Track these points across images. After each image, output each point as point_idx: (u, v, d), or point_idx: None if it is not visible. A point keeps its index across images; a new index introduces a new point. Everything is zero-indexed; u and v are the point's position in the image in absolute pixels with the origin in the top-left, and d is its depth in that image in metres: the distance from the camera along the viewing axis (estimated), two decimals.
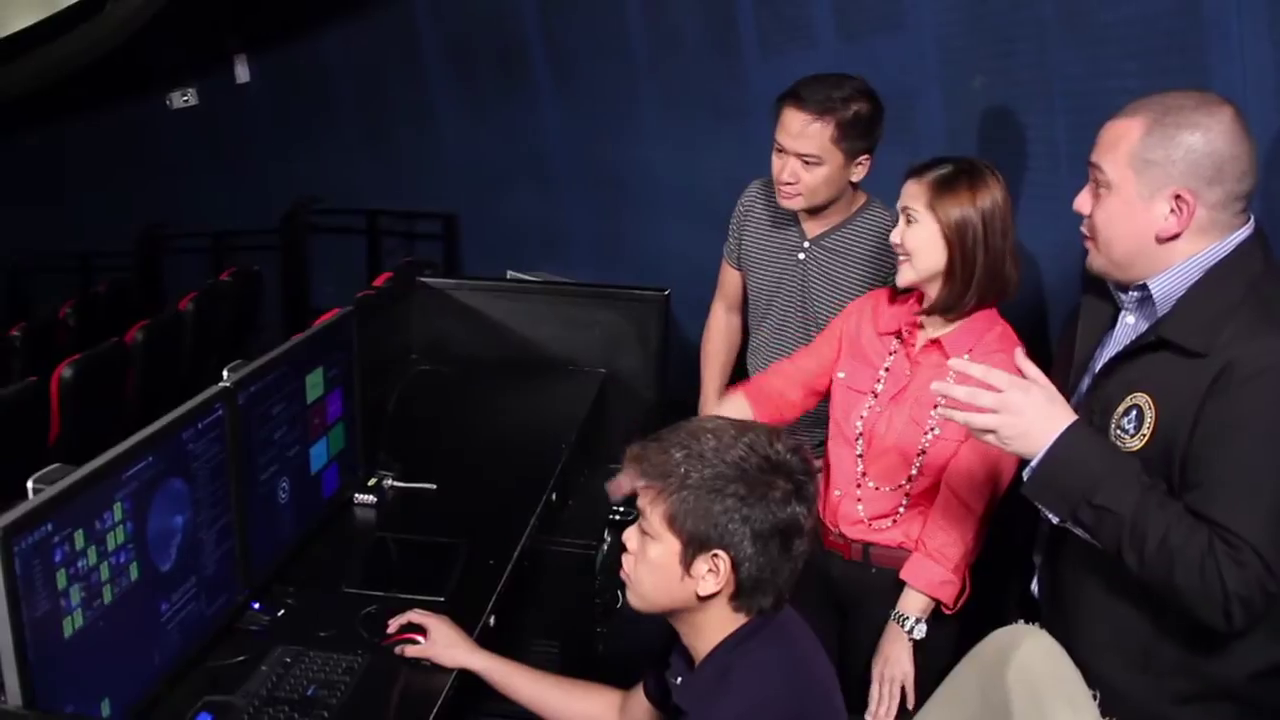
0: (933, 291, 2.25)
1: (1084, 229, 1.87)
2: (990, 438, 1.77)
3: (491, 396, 3.38)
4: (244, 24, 6.60)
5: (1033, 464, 1.74)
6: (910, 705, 2.23)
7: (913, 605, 2.26)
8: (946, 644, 2.24)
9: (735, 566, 1.60)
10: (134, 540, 1.69)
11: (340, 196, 6.56)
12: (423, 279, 3.71)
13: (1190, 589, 1.63)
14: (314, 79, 6.52)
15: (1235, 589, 1.60)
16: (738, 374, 3.11)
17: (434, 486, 2.67)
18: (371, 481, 2.61)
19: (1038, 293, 2.85)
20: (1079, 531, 1.77)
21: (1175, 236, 1.75)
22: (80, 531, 1.56)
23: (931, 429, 2.25)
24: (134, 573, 1.70)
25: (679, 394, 3.29)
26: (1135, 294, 1.84)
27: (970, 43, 3.09)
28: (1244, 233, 1.76)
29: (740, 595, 1.62)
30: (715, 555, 1.59)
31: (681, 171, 4.59)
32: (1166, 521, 1.65)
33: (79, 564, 1.56)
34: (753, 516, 1.58)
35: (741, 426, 1.66)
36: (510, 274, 5.37)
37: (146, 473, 1.72)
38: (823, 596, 2.45)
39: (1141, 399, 1.75)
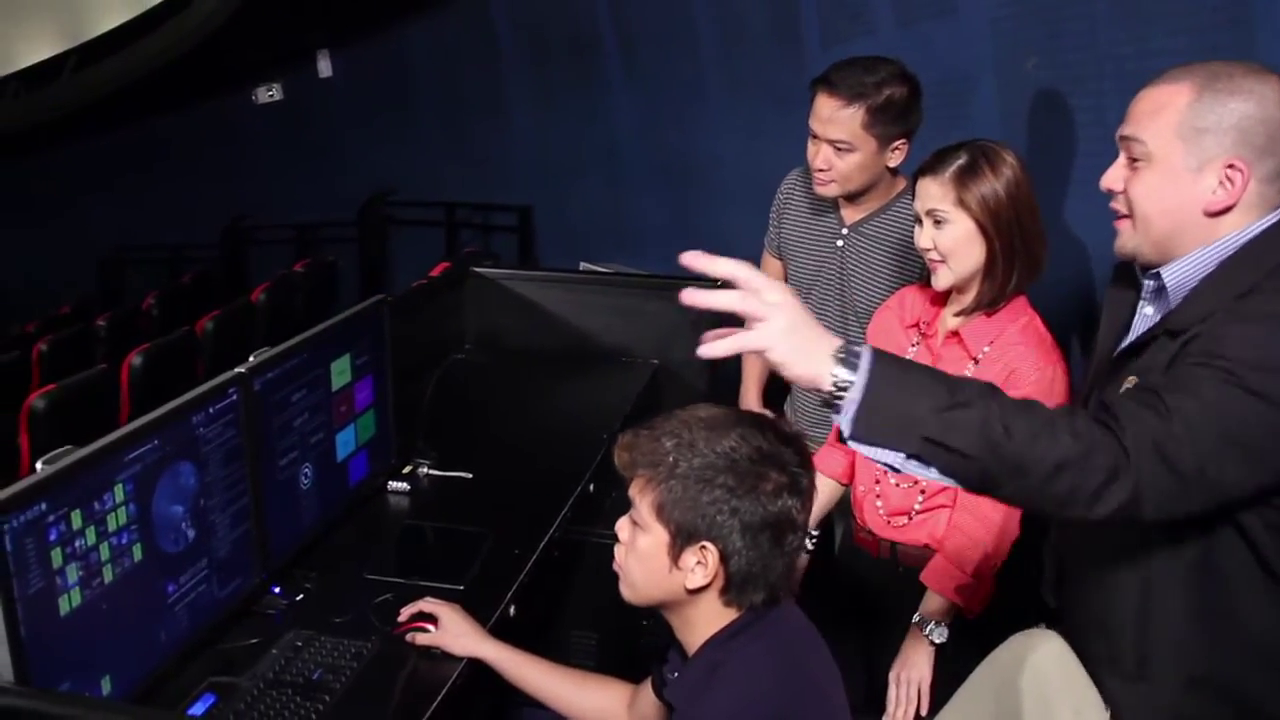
0: (971, 290, 2.17)
1: (1116, 207, 1.73)
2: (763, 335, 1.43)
3: (539, 386, 3.37)
4: (327, 20, 6.73)
5: (854, 393, 1.41)
6: (923, 711, 2.16)
7: (933, 609, 2.19)
8: (974, 649, 2.15)
9: (724, 559, 1.55)
10: (137, 522, 1.71)
11: (420, 189, 6.67)
12: (476, 269, 3.72)
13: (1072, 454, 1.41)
14: (394, 73, 6.64)
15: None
16: None
17: (469, 475, 2.65)
18: (406, 469, 2.62)
19: (1088, 280, 2.75)
20: (921, 470, 1.46)
21: (1226, 210, 1.62)
22: (77, 512, 1.58)
23: None
24: (137, 554, 1.72)
25: (734, 385, 3.23)
26: (1151, 284, 1.72)
27: (1022, 24, 3.01)
28: (1275, 216, 1.62)
29: (730, 589, 1.58)
30: (703, 547, 1.55)
31: (749, 161, 4.55)
32: (1030, 407, 1.45)
33: (76, 543, 1.58)
34: (742, 509, 1.53)
35: (736, 416, 1.61)
36: (584, 265, 5.39)
37: (151, 456, 1.74)
38: (851, 593, 2.39)
39: None
